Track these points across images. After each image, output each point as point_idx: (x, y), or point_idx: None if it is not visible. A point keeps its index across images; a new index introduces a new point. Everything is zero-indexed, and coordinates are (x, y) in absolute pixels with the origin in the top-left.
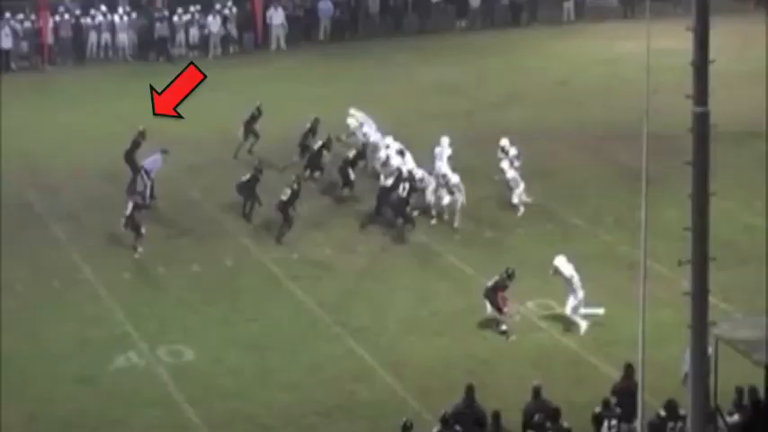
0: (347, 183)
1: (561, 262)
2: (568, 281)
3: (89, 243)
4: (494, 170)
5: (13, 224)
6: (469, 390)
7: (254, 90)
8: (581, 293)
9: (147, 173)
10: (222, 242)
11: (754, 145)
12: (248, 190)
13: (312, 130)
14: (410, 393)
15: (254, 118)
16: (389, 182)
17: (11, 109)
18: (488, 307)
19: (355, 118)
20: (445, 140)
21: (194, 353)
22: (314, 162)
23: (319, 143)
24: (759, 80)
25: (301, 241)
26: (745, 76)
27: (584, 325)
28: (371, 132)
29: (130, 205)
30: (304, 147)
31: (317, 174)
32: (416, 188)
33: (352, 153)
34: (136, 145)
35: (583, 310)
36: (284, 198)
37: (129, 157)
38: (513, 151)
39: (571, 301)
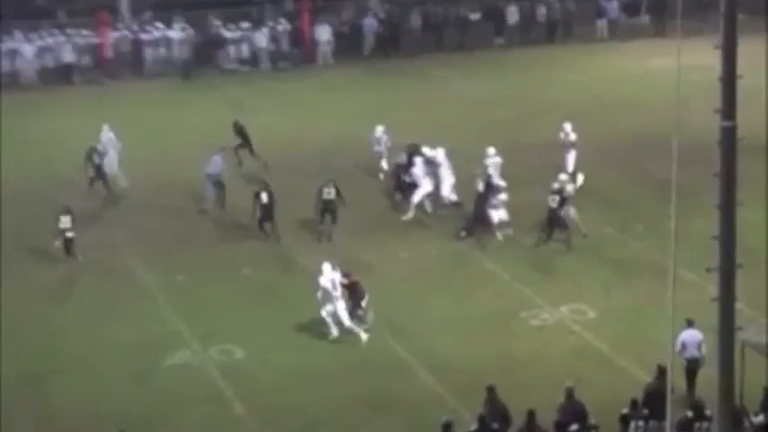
0: (400, 188)
1: (326, 269)
2: (325, 289)
3: (146, 248)
4: (529, 178)
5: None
6: (490, 390)
7: (301, 102)
8: (342, 302)
9: (208, 178)
10: (271, 247)
11: None
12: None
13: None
14: (447, 391)
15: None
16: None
17: (73, 119)
18: None
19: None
20: (492, 151)
21: (243, 352)
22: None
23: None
24: None
25: (346, 246)
26: None
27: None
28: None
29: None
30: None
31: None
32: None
33: (403, 159)
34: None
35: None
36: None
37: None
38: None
39: (337, 307)
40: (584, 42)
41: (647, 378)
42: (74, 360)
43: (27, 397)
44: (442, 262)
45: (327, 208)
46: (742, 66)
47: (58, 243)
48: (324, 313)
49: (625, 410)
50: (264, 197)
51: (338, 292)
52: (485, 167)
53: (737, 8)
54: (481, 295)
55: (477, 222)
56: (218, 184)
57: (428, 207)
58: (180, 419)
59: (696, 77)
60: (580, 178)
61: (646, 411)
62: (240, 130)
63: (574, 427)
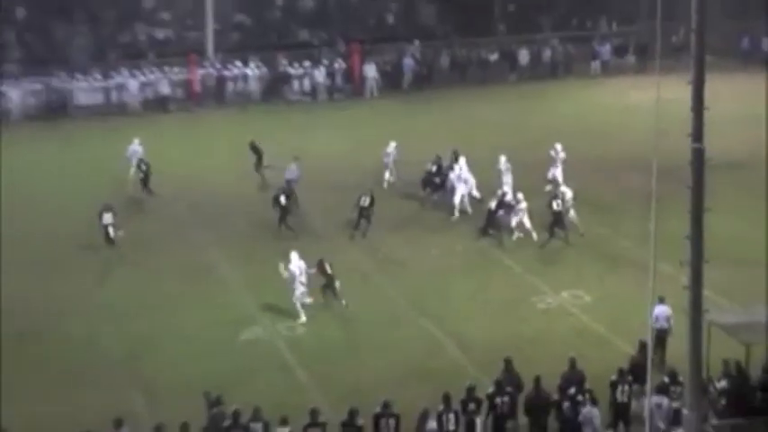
0: (433, 188)
1: (294, 257)
2: (293, 274)
3: (226, 245)
4: (534, 189)
5: (167, 231)
6: (508, 362)
7: (351, 126)
8: (302, 288)
9: (288, 183)
10: (324, 243)
11: (738, 173)
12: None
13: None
14: (471, 364)
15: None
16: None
17: (169, 140)
18: None
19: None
20: (503, 158)
21: (304, 329)
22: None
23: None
24: (744, 122)
25: (385, 243)
26: (732, 120)
27: (303, 317)
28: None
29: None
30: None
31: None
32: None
33: (434, 167)
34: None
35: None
36: (365, 204)
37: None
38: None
39: (297, 292)
40: (580, 78)
41: (631, 351)
42: (171, 337)
43: (135, 369)
44: (467, 257)
45: (362, 214)
46: (709, 98)
47: (121, 233)
48: (294, 299)
49: (614, 377)
50: (282, 199)
51: (303, 278)
52: (499, 172)
53: (706, 51)
54: (498, 284)
55: (488, 228)
56: (291, 189)
57: (468, 208)
58: (252, 384)
59: (672, 107)
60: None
61: (630, 378)
62: (255, 148)
63: (572, 390)
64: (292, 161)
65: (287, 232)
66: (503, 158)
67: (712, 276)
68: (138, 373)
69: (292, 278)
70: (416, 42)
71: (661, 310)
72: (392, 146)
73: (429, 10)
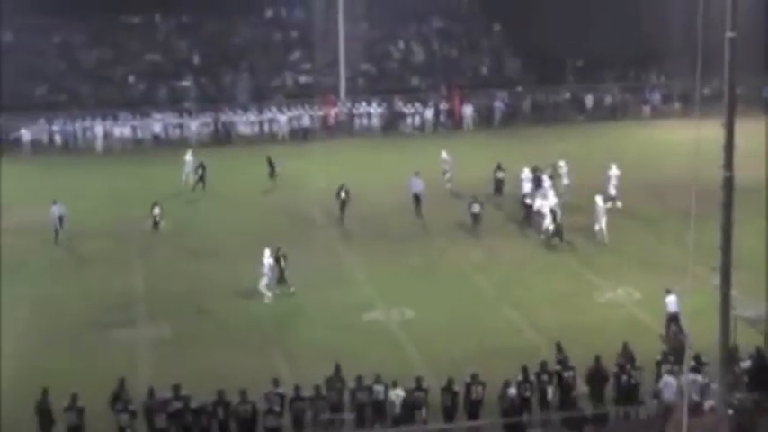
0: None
1: (266, 253)
2: (263, 265)
3: (353, 246)
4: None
5: (301, 234)
6: (558, 346)
7: (453, 154)
8: (266, 278)
9: (415, 195)
10: (428, 243)
11: (760, 196)
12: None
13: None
14: (544, 344)
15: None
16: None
17: (311, 162)
18: None
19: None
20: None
21: (413, 312)
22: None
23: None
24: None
25: (471, 247)
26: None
27: (268, 297)
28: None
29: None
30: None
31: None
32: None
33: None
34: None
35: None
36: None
37: None
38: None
39: (263, 281)
40: (634, 120)
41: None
42: (309, 314)
43: (280, 338)
44: (540, 257)
45: (475, 219)
46: (737, 137)
47: (163, 222)
48: (261, 285)
49: (659, 357)
50: (342, 194)
51: (266, 270)
52: (556, 168)
53: (737, 100)
54: (565, 280)
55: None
56: (417, 199)
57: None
58: (368, 357)
59: (708, 144)
60: (619, 203)
61: (671, 358)
62: (269, 162)
63: (628, 366)
64: (413, 176)
65: (407, 232)
66: (561, 163)
67: (738, 279)
68: (282, 341)
69: (263, 269)
70: (504, 89)
71: (671, 299)
72: (444, 154)
73: (514, 63)
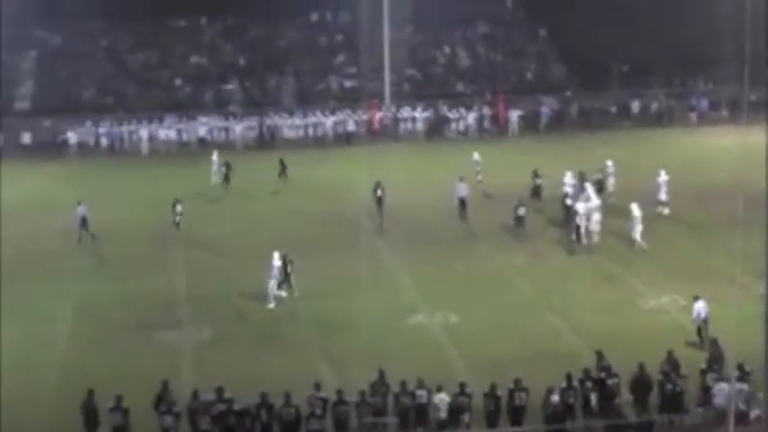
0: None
1: (275, 255)
2: (272, 267)
3: (398, 250)
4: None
5: (346, 238)
6: (599, 354)
7: (497, 158)
8: (274, 281)
9: (460, 199)
10: (471, 247)
11: None
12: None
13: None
14: (587, 349)
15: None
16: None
17: (355, 166)
18: None
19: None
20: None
21: (456, 317)
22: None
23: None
24: None
25: (514, 251)
26: None
27: (272, 304)
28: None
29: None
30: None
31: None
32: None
33: (569, 190)
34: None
35: (275, 293)
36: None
37: None
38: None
39: (271, 284)
40: (681, 127)
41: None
42: (352, 318)
43: (323, 342)
44: (583, 263)
45: (520, 222)
46: None
47: (180, 218)
48: (269, 287)
49: (703, 366)
50: (379, 192)
51: (275, 272)
52: (604, 169)
53: None
54: (610, 287)
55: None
56: (463, 203)
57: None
58: (412, 359)
59: (754, 150)
60: (666, 209)
61: (716, 366)
62: (282, 163)
63: (672, 374)
64: (458, 181)
65: (451, 236)
66: (609, 162)
67: None
68: (325, 345)
69: (271, 271)
70: (549, 95)
71: (700, 305)
72: (476, 155)
73: (560, 69)
